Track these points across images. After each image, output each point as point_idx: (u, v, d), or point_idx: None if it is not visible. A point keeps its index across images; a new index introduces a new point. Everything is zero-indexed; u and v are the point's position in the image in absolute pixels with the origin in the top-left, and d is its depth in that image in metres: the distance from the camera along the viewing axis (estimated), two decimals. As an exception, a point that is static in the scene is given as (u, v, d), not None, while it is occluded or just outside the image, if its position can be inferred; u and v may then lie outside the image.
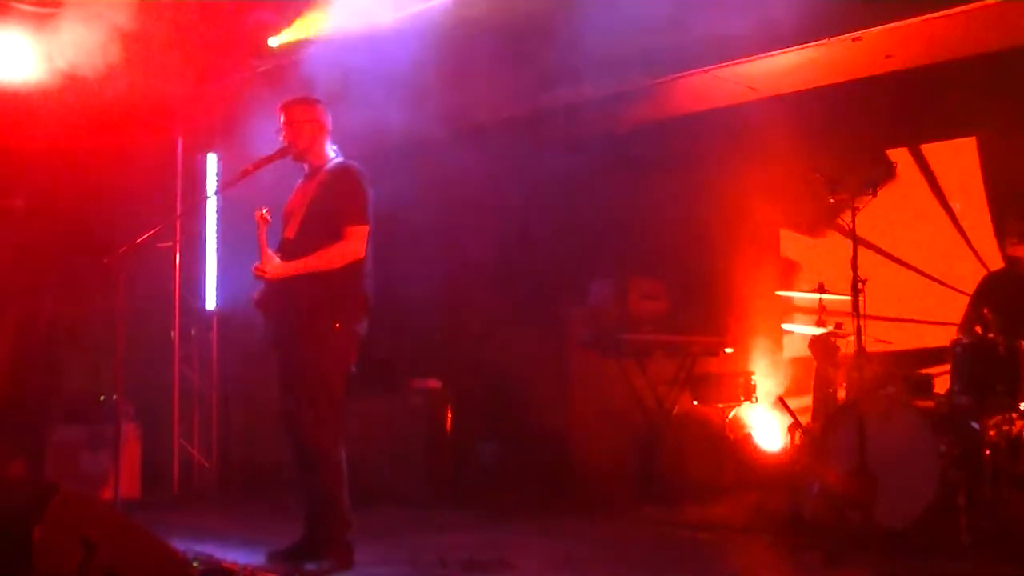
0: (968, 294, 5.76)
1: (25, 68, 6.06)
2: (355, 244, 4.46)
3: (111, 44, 5.77)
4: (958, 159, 6.48)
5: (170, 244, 7.44)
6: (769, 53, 6.05)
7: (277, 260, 4.43)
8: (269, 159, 4.66)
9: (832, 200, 5.10)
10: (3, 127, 6.46)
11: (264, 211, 4.45)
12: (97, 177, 6.80)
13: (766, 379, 6.85)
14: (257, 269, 4.43)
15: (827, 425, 5.30)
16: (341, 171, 4.60)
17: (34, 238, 7.12)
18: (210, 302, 7.74)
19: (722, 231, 7.11)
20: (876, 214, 5.37)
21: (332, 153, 4.68)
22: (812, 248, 6.98)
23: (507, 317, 6.88)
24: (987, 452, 4.87)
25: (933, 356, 5.92)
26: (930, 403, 5.17)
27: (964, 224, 6.41)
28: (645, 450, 6.54)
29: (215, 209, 7.70)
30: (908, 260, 6.59)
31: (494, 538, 5.33)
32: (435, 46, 6.06)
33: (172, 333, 7.47)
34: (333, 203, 4.49)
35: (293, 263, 4.43)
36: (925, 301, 6.45)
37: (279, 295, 4.46)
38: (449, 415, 6.91)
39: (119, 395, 5.14)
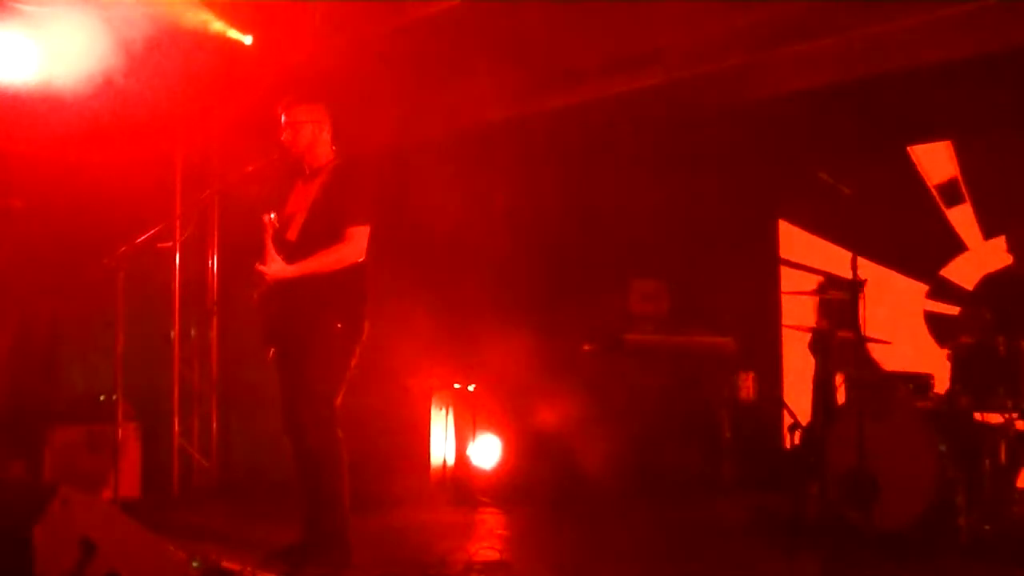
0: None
1: (25, 68, 6.05)
2: (356, 245, 4.46)
3: (111, 45, 5.76)
4: (959, 159, 6.49)
5: (170, 244, 7.43)
6: (769, 52, 6.05)
7: (280, 262, 4.43)
8: (270, 160, 4.66)
9: (832, 200, 5.10)
10: (2, 127, 6.46)
11: (271, 216, 4.47)
12: (97, 177, 6.80)
13: (766, 379, 6.85)
14: (259, 268, 4.43)
15: (827, 425, 5.30)
16: (342, 171, 4.59)
17: (34, 238, 7.12)
18: (210, 302, 7.75)
19: (722, 231, 7.11)
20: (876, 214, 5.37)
21: (333, 152, 4.68)
22: (812, 248, 6.98)
23: (507, 317, 6.87)
24: (987, 452, 4.87)
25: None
26: (930, 403, 5.17)
27: (965, 224, 6.42)
28: (645, 450, 6.53)
29: (215, 209, 7.69)
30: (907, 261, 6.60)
31: (494, 538, 5.33)
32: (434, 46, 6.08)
33: (172, 333, 7.47)
34: (334, 204, 4.48)
35: (294, 266, 4.43)
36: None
37: (280, 296, 4.46)
38: (451, 415, 6.91)
39: (119, 395, 5.14)
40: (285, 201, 4.66)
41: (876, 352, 5.70)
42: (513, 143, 7.34)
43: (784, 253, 7.20)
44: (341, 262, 4.43)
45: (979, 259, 6.29)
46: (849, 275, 4.85)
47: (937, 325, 6.46)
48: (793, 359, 6.89)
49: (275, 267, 4.41)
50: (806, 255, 7.03)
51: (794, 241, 7.15)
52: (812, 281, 6.21)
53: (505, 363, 6.63)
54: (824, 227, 6.80)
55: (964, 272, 6.39)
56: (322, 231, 4.46)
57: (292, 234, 4.54)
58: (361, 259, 4.48)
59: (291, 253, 4.46)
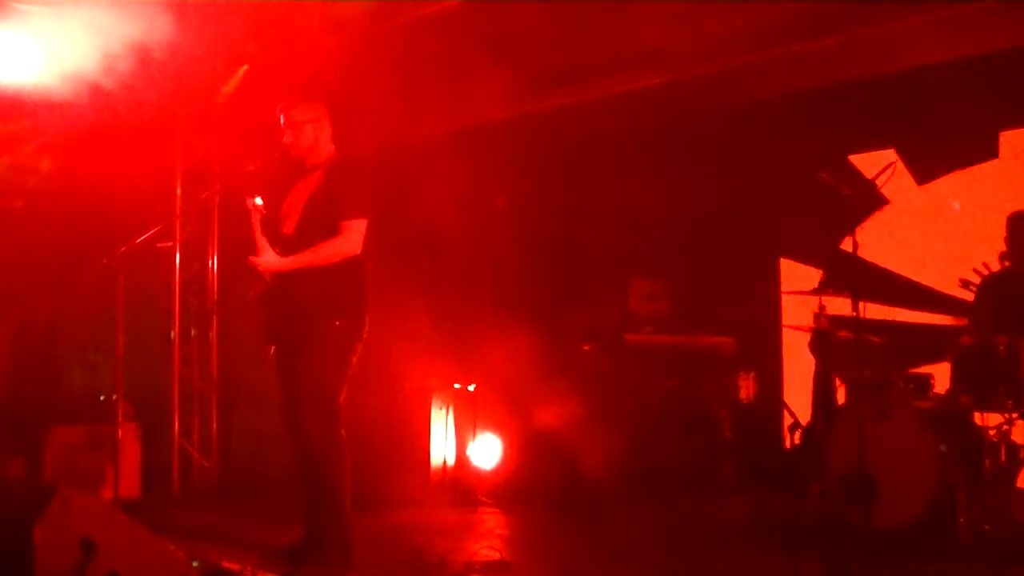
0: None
1: (25, 68, 6.05)
2: (352, 239, 4.43)
3: (111, 45, 5.77)
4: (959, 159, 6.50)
5: (170, 244, 7.44)
6: (769, 53, 6.05)
7: (273, 254, 4.42)
8: (271, 160, 4.66)
9: (832, 200, 5.10)
10: (2, 127, 6.47)
11: (256, 200, 4.43)
12: (97, 177, 6.80)
13: (766, 379, 6.85)
14: (252, 260, 4.42)
15: (827, 425, 5.30)
16: (339, 166, 4.59)
17: (34, 238, 7.12)
18: (210, 302, 7.75)
19: (723, 231, 7.11)
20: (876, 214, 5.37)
21: (332, 149, 4.68)
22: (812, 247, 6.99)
23: (507, 317, 6.88)
24: (987, 452, 4.87)
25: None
26: (930, 403, 5.17)
27: (963, 224, 6.42)
28: (645, 450, 6.53)
29: (215, 209, 7.70)
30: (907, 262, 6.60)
31: (494, 538, 5.33)
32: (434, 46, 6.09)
33: (172, 333, 7.47)
34: (330, 198, 4.48)
35: (288, 258, 4.42)
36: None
37: (279, 294, 4.46)
38: (451, 415, 6.91)
39: (119, 395, 5.14)
40: (284, 197, 4.65)
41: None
42: (513, 143, 7.34)
43: (784, 254, 7.20)
44: (336, 256, 4.41)
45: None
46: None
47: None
48: (793, 359, 6.89)
49: (268, 259, 4.40)
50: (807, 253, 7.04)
51: (795, 240, 7.15)
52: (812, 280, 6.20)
53: (505, 363, 6.63)
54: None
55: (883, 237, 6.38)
56: (319, 225, 4.44)
57: (289, 228, 4.53)
58: (357, 253, 4.46)
59: (288, 247, 4.45)
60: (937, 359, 5.49)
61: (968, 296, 6.03)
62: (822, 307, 5.58)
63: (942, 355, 5.34)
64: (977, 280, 5.96)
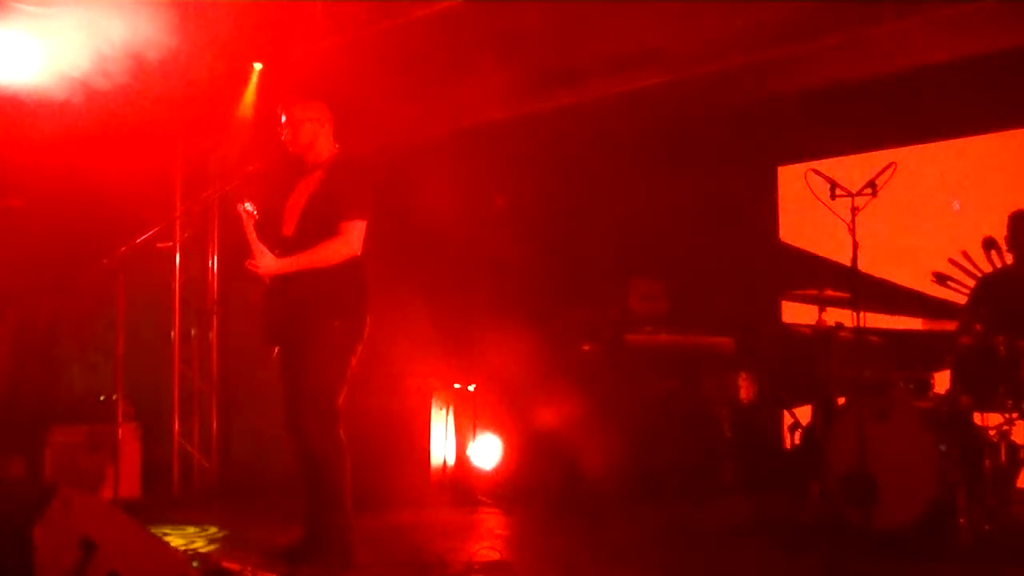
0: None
1: (25, 68, 6.05)
2: (351, 240, 4.42)
3: (112, 45, 5.77)
4: (960, 159, 6.49)
5: (170, 244, 7.45)
6: (769, 53, 6.05)
7: (270, 256, 4.41)
8: (271, 159, 4.65)
9: (833, 200, 5.10)
10: (2, 127, 6.46)
11: (247, 206, 4.42)
12: (97, 177, 6.80)
13: (766, 379, 6.84)
14: (249, 264, 4.42)
15: (827, 425, 5.30)
16: (340, 166, 4.58)
17: (34, 238, 7.12)
18: (210, 302, 7.75)
19: (723, 231, 7.11)
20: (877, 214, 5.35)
21: (333, 149, 4.67)
22: (812, 247, 6.99)
23: (507, 317, 6.88)
24: (987, 452, 4.87)
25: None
26: (930, 403, 5.17)
27: (963, 224, 6.43)
28: (645, 450, 6.54)
29: (215, 209, 7.70)
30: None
31: (494, 538, 5.33)
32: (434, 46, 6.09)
33: (172, 333, 7.47)
34: (330, 198, 4.47)
35: (287, 259, 4.41)
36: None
37: (279, 295, 4.45)
38: (451, 415, 6.91)
39: (119, 395, 5.15)
40: (286, 198, 4.65)
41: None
42: (513, 143, 7.35)
43: (785, 251, 7.21)
44: (336, 257, 4.40)
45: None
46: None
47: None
48: (791, 359, 6.88)
49: (265, 262, 4.40)
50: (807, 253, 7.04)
51: (795, 240, 7.15)
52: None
53: (505, 363, 6.63)
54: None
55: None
56: (318, 226, 4.43)
57: (289, 229, 4.52)
58: (357, 254, 4.45)
59: (287, 248, 4.45)
60: (933, 367, 5.48)
61: (945, 292, 6.04)
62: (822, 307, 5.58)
63: (939, 362, 5.33)
64: (952, 273, 5.96)
